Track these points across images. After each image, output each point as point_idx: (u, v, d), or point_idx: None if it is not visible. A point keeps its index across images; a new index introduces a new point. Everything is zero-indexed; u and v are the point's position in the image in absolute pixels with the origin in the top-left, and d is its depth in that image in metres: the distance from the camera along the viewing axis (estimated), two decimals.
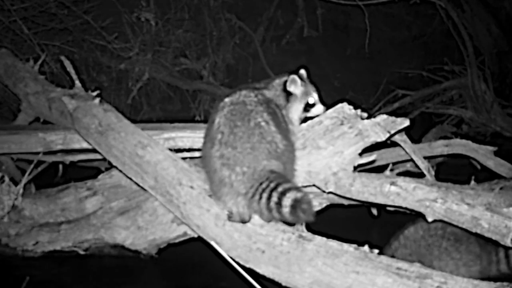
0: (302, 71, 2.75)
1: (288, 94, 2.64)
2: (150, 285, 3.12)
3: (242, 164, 2.33)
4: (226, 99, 2.51)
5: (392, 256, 2.31)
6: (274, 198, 2.22)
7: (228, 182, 2.33)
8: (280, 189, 2.24)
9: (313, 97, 2.68)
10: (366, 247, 2.28)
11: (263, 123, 2.42)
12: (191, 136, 3.14)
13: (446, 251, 2.79)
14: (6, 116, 5.12)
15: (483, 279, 2.22)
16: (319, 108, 2.70)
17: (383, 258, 2.22)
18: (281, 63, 7.57)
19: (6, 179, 3.25)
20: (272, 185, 2.27)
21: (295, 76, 2.64)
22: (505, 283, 2.02)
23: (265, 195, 2.26)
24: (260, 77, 7.26)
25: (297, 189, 2.25)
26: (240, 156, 2.34)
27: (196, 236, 2.78)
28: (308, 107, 2.68)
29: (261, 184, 2.28)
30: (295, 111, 2.66)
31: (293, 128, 2.65)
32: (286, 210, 2.20)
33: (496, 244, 2.36)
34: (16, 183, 3.31)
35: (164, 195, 2.69)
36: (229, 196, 2.36)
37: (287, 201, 2.20)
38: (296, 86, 2.64)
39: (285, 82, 2.63)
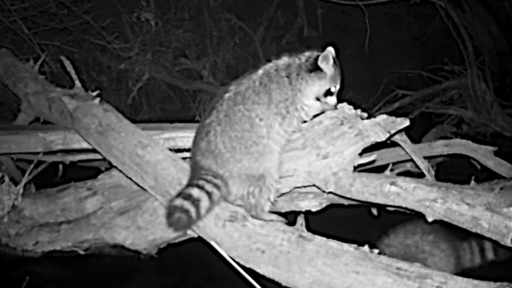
0: (331, 49, 2.53)
1: (316, 69, 2.48)
2: (150, 285, 3.12)
3: (194, 149, 2.55)
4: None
5: None
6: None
7: None
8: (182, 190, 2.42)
9: (336, 87, 2.55)
10: (366, 247, 2.27)
11: (216, 120, 2.48)
12: (191, 136, 3.12)
13: None
14: (6, 116, 5.11)
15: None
16: (333, 100, 2.56)
17: (383, 258, 2.22)
18: None
19: (6, 179, 3.25)
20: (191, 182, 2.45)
21: (329, 53, 2.47)
22: (505, 283, 2.02)
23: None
24: None
25: (187, 197, 2.35)
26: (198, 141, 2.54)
27: (196, 236, 2.78)
28: (327, 93, 2.54)
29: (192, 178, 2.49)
30: (318, 88, 2.50)
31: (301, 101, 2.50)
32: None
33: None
34: (16, 183, 3.31)
35: (164, 195, 2.69)
36: None
37: (172, 204, 2.36)
38: (327, 65, 2.49)
39: (317, 56, 2.49)
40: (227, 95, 2.51)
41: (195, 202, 2.35)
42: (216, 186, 2.42)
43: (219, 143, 2.45)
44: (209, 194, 2.39)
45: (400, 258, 2.58)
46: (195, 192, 2.37)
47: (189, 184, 2.45)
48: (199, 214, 2.37)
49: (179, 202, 2.34)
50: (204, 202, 2.38)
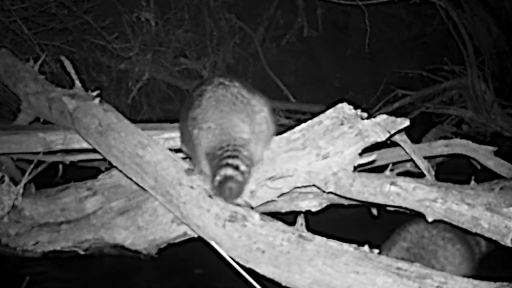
0: None
1: None
2: (150, 285, 3.12)
3: (209, 120, 2.50)
4: None
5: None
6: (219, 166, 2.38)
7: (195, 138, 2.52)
8: (225, 160, 2.38)
9: None
10: (366, 247, 2.27)
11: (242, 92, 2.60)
12: None
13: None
14: (6, 116, 5.12)
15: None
16: None
17: (383, 258, 2.22)
18: (281, 63, 7.57)
19: (6, 179, 3.25)
20: (228, 152, 2.40)
21: None
22: (505, 283, 2.02)
23: (216, 161, 2.41)
24: (260, 77, 7.27)
25: (235, 167, 2.35)
26: (210, 115, 2.50)
27: (196, 236, 2.78)
28: None
29: (222, 148, 2.43)
30: None
31: None
32: (215, 184, 2.38)
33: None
34: (16, 183, 3.31)
35: (164, 195, 2.69)
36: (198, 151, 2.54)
37: (219, 174, 2.36)
38: None
39: None
40: None
41: (244, 174, 2.40)
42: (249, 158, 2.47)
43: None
44: (247, 167, 2.44)
45: (411, 245, 2.65)
46: (240, 163, 2.40)
47: (231, 156, 2.42)
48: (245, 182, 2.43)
49: (230, 172, 2.37)
50: (246, 174, 2.43)
